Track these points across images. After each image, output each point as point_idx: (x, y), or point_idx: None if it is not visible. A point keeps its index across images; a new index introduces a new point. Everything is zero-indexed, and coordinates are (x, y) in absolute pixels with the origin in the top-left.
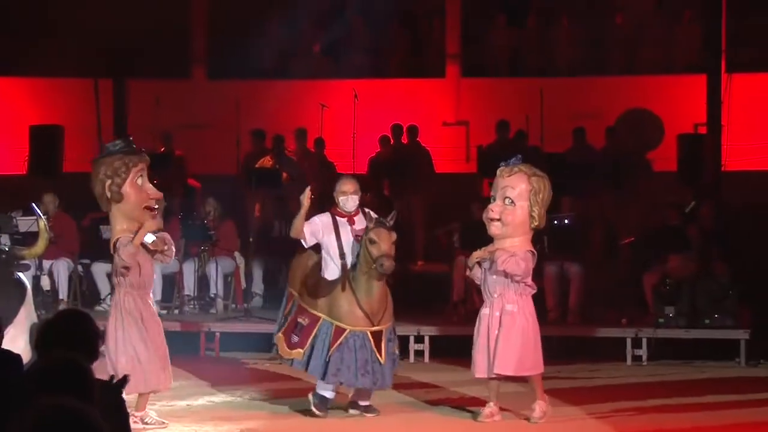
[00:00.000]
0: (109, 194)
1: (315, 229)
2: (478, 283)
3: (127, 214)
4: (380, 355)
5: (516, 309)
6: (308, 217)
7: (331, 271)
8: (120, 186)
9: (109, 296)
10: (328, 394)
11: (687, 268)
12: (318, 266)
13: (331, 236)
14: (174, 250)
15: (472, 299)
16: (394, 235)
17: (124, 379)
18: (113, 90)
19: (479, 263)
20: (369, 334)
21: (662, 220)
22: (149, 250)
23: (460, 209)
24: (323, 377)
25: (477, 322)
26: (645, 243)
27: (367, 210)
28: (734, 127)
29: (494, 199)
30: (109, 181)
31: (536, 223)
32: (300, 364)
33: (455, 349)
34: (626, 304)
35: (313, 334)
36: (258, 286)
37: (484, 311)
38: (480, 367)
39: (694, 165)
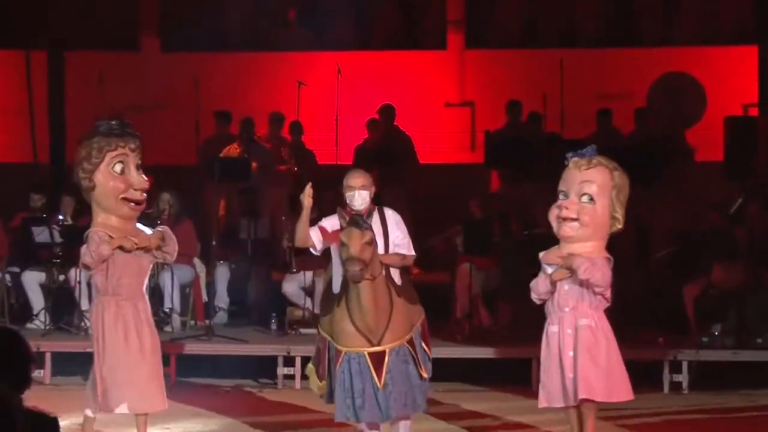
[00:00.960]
0: (80, 181)
1: (323, 233)
2: (540, 301)
3: (101, 205)
4: (379, 381)
5: (592, 324)
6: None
7: (338, 281)
8: (90, 172)
9: (43, 311)
10: None
11: (734, 277)
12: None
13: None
14: (176, 246)
15: (478, 314)
16: (367, 235)
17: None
18: (48, 64)
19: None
20: (367, 355)
21: (704, 221)
22: (125, 249)
23: (462, 206)
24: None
25: (543, 342)
26: (685, 248)
27: (388, 210)
28: None
29: (565, 196)
30: (80, 167)
31: (620, 226)
32: (325, 398)
33: (460, 372)
34: (663, 320)
35: (326, 360)
36: (222, 299)
37: (552, 329)
38: (554, 395)
39: (743, 153)
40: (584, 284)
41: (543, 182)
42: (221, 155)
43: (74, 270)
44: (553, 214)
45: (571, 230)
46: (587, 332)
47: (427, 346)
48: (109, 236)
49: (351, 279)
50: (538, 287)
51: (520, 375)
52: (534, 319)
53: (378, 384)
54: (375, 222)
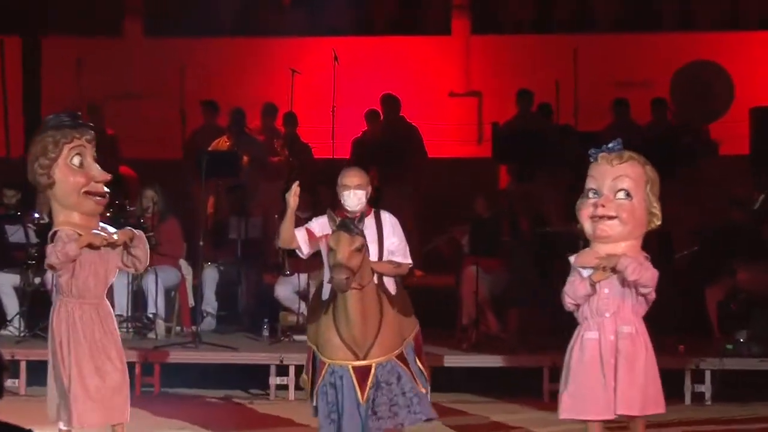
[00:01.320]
0: (36, 178)
1: (310, 235)
2: (574, 306)
3: (61, 203)
4: (361, 396)
5: (633, 331)
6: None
7: (328, 287)
8: (48, 168)
9: (18, 316)
10: None
11: (761, 280)
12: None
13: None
14: (147, 252)
15: (485, 320)
16: (357, 241)
17: None
18: (22, 49)
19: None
20: (351, 369)
21: (727, 219)
22: (94, 246)
23: (468, 204)
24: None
25: (576, 349)
26: (707, 248)
27: (384, 213)
28: None
29: (597, 193)
30: (36, 163)
31: (658, 222)
32: (312, 411)
33: (466, 382)
34: (684, 326)
35: (310, 370)
36: (210, 304)
37: (590, 335)
38: (591, 405)
39: None
40: (628, 286)
41: (555, 178)
42: (209, 149)
43: (51, 272)
44: (585, 213)
45: (609, 229)
46: (628, 341)
47: (421, 362)
48: (78, 234)
49: (337, 287)
50: (576, 291)
51: (530, 385)
52: (545, 325)
53: (360, 398)
54: (370, 226)
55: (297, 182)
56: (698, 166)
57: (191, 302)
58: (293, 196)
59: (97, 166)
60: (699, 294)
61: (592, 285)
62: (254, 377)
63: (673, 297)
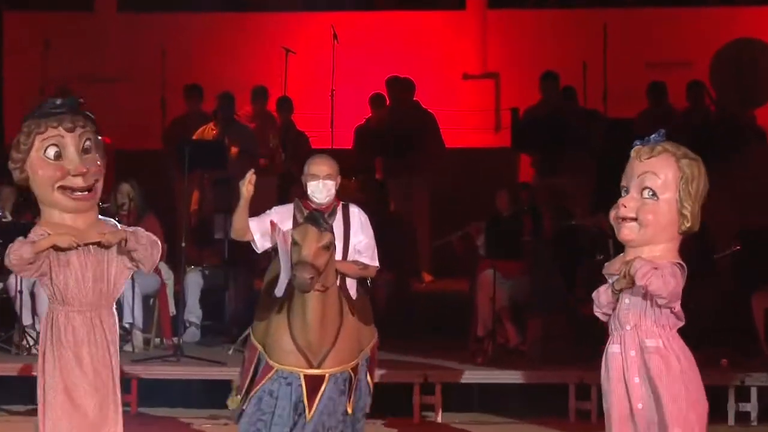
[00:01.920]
0: (12, 173)
1: (268, 227)
2: (605, 316)
3: (41, 199)
4: (309, 410)
5: (661, 344)
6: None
7: (283, 283)
8: (21, 162)
9: None
10: None
11: None
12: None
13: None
14: (155, 252)
15: (503, 331)
16: (326, 238)
17: None
18: None
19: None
20: (302, 378)
21: None
22: (60, 248)
23: (483, 199)
24: None
25: (603, 365)
26: (752, 248)
27: (353, 208)
28: None
29: (626, 191)
30: (9, 157)
31: (689, 225)
32: (236, 416)
33: (480, 400)
34: (727, 337)
35: (250, 372)
36: (193, 312)
37: (613, 348)
38: (621, 426)
39: None
40: (647, 296)
41: (580, 166)
42: (193, 137)
43: (14, 277)
44: (612, 214)
45: (631, 232)
46: (656, 357)
47: (371, 376)
48: (48, 234)
49: (298, 287)
50: (600, 298)
51: (554, 403)
52: (570, 336)
53: (307, 414)
54: (337, 221)
55: (252, 170)
56: (742, 156)
57: (172, 311)
58: (247, 184)
59: (78, 157)
60: (744, 300)
61: (614, 293)
62: None
63: (713, 301)
